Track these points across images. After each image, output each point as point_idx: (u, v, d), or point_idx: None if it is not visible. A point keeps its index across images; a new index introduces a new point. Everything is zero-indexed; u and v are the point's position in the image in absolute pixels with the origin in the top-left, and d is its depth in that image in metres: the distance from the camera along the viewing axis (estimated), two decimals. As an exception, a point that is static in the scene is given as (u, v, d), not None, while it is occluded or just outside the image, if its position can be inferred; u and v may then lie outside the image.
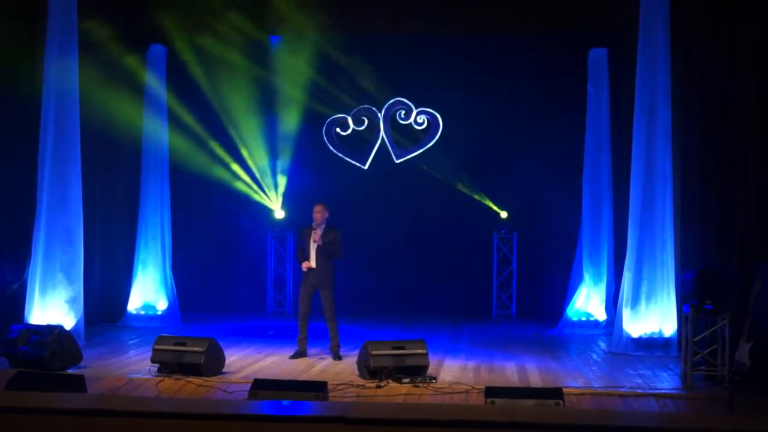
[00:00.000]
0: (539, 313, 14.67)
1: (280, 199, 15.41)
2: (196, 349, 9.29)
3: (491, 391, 7.10)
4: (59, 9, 11.10)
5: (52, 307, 10.95)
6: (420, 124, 15.36)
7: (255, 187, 15.38)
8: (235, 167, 15.34)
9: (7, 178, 11.05)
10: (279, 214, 15.40)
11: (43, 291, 10.94)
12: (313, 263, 10.56)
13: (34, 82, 11.31)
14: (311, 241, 10.58)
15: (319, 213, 10.59)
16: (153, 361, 9.47)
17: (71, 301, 11.07)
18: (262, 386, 7.23)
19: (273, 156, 15.41)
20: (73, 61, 11.22)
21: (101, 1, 12.54)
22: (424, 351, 9.33)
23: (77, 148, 11.22)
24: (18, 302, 10.96)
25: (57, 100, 11.08)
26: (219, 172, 15.39)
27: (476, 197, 15.19)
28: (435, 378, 9.19)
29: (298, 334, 10.69)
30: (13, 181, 11.13)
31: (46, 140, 11.04)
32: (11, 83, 11.12)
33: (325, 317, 10.65)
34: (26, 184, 11.12)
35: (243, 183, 15.40)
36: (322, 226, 10.59)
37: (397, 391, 8.69)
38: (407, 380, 8.99)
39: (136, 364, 9.99)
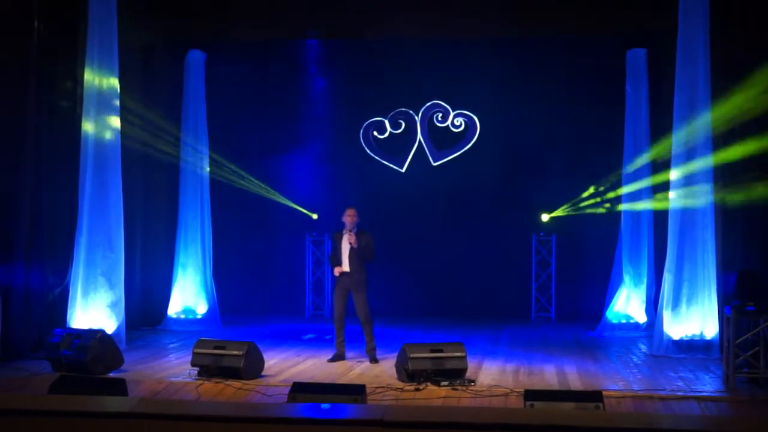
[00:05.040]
0: (578, 315, 14.59)
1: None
2: (236, 352, 9.33)
3: (530, 394, 7.05)
4: (99, 17, 11.20)
5: (93, 311, 11.07)
6: (457, 127, 15.33)
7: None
8: (274, 170, 15.44)
9: (49, 184, 11.18)
10: (314, 215, 15.45)
11: (85, 295, 11.06)
12: (346, 267, 10.57)
13: (75, 90, 11.45)
14: (344, 245, 10.57)
15: (351, 216, 10.58)
16: (193, 364, 9.53)
17: (112, 305, 11.19)
18: (301, 389, 7.25)
19: (312, 159, 15.51)
20: (113, 66, 11.33)
21: (140, 8, 12.66)
22: (463, 354, 9.30)
23: (118, 154, 11.35)
24: (60, 307, 11.10)
25: (97, 107, 11.20)
26: (258, 176, 15.47)
27: (513, 199, 15.12)
28: (474, 381, 9.15)
29: (335, 338, 10.70)
30: (54, 187, 11.26)
31: (87, 147, 11.17)
32: (52, 91, 11.28)
33: (360, 320, 10.65)
34: (68, 189, 11.27)
35: (282, 186, 15.49)
36: (354, 230, 10.59)
37: (436, 394, 8.67)
38: (446, 383, 8.96)
39: (177, 368, 10.07)
